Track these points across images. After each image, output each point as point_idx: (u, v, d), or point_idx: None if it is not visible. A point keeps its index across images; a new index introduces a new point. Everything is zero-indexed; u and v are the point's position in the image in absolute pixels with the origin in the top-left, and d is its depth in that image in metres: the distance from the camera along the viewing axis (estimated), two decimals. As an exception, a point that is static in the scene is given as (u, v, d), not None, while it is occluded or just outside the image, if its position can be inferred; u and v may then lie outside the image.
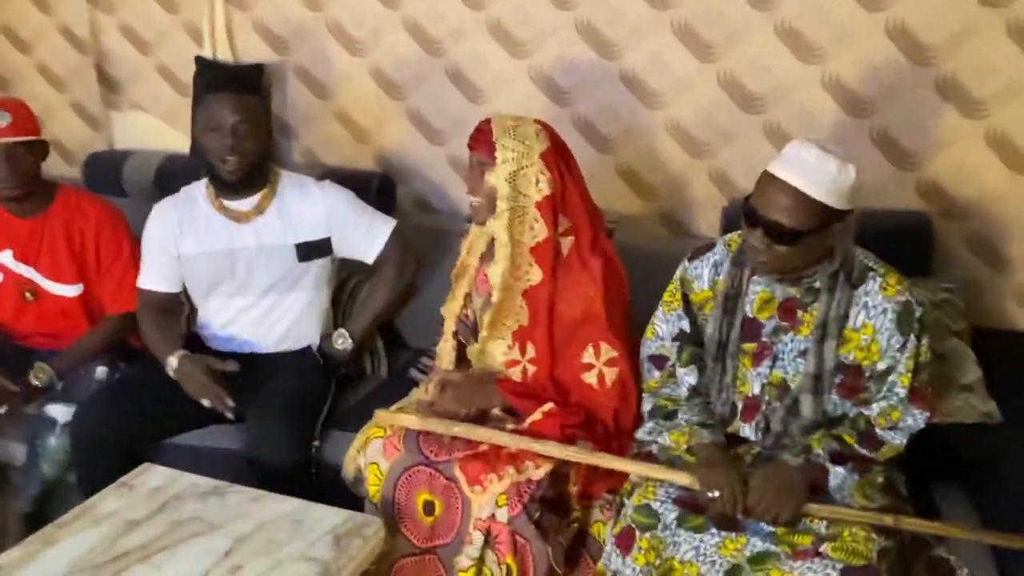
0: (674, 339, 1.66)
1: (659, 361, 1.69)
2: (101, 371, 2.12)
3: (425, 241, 2.30)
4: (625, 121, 2.30)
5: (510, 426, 1.66)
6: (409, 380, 2.22)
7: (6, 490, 2.16)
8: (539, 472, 1.57)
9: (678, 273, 1.68)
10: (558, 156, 1.71)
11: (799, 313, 1.54)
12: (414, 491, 1.64)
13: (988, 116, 2.00)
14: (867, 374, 1.51)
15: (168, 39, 2.74)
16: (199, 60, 2.62)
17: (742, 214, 1.49)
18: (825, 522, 1.43)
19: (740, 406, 1.60)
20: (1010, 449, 1.70)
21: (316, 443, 1.90)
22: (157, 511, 1.56)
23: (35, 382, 2.05)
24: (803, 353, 1.53)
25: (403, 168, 2.60)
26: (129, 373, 2.09)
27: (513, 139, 1.68)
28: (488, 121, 1.73)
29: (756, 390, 1.58)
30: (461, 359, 1.91)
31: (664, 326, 1.68)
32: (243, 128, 1.91)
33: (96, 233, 2.15)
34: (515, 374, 1.76)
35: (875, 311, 1.48)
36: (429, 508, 1.64)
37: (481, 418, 1.72)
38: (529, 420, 1.66)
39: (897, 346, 1.48)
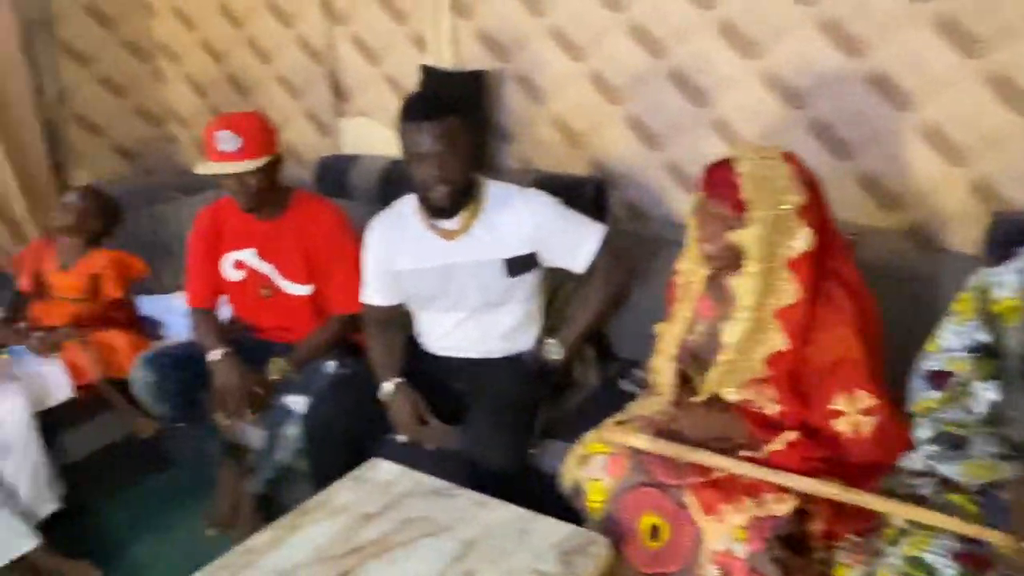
0: (970, 351, 1.46)
1: (940, 378, 1.49)
2: (330, 365, 2.23)
3: (638, 249, 2.23)
4: (869, 124, 2.10)
5: (745, 453, 1.55)
6: (620, 392, 2.16)
7: (243, 471, 2.33)
8: (782, 507, 1.44)
9: (973, 281, 1.49)
10: (816, 204, 1.53)
11: None
12: (640, 513, 1.57)
13: None
14: None
15: (394, 48, 2.86)
16: (424, 68, 2.71)
17: None
18: None
19: None
20: None
21: (533, 450, 1.89)
22: (388, 507, 1.60)
23: (273, 376, 2.18)
24: None
25: (617, 173, 2.54)
26: (359, 370, 2.17)
27: (767, 196, 1.49)
28: (730, 166, 1.53)
29: None
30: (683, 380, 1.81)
31: (953, 338, 1.48)
32: (447, 155, 1.83)
33: (326, 237, 2.24)
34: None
35: None
36: (655, 532, 1.56)
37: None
38: (768, 449, 1.54)
39: None
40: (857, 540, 1.50)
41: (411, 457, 1.98)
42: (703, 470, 1.53)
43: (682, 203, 2.45)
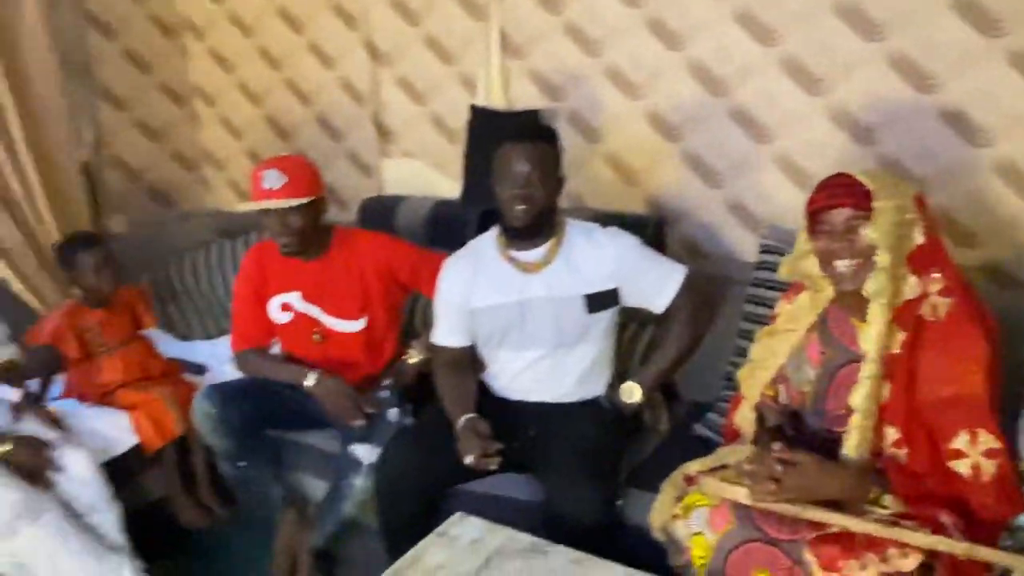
0: None
1: None
2: (393, 413, 2.16)
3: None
4: (942, 160, 2.07)
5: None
6: (695, 436, 2.10)
7: (303, 524, 2.24)
8: (908, 562, 1.37)
9: None
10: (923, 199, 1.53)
11: None
12: (750, 569, 1.49)
13: None
14: None
15: (441, 89, 2.84)
16: (474, 108, 2.69)
17: None
18: None
19: None
20: None
21: (620, 502, 1.82)
22: (483, 567, 1.53)
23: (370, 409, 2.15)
24: None
25: (674, 211, 2.51)
26: (428, 417, 2.11)
27: (886, 185, 1.50)
28: (838, 175, 1.54)
29: None
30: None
31: None
32: (535, 177, 1.88)
33: (373, 260, 2.22)
34: None
35: None
36: (766, 589, 1.49)
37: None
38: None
39: None
40: (975, 595, 1.43)
41: (486, 506, 1.91)
42: (818, 524, 1.46)
43: (742, 240, 2.42)
